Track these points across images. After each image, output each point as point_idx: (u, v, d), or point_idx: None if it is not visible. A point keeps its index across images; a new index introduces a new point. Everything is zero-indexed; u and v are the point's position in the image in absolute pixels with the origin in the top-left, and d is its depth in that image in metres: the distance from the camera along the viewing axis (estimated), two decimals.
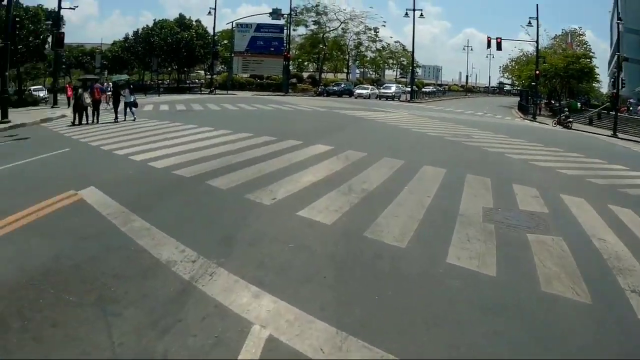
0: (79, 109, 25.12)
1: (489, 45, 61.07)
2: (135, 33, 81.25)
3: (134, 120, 26.16)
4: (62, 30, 42.89)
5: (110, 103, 30.42)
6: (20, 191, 10.67)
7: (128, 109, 26.98)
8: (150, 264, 6.60)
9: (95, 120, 25.73)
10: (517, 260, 7.37)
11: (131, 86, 29.97)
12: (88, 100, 25.48)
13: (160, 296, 5.68)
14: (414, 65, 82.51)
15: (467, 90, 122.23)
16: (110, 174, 12.33)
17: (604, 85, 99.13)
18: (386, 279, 6.41)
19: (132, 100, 27.16)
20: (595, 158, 20.77)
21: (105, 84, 41.20)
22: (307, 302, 5.65)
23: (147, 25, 79.88)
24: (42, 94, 46.44)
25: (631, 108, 54.64)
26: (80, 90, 25.78)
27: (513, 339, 5.15)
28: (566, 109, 50.00)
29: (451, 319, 5.49)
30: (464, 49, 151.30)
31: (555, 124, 43.33)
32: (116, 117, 26.67)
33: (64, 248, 7.15)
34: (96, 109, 26.23)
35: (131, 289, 5.76)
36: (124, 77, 68.34)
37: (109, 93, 34.30)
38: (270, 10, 76.27)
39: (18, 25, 36.80)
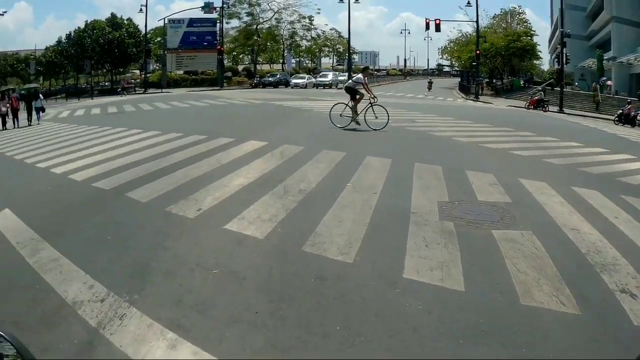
0: None
1: (427, 28, 61.90)
2: (68, 36, 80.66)
3: (38, 123, 29.56)
4: None
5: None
6: None
7: (37, 113, 30.87)
8: (55, 306, 5.47)
9: (15, 125, 29.02)
10: (486, 267, 6.39)
11: (39, 94, 34.13)
12: (4, 108, 28.92)
13: (63, 352, 4.59)
14: (351, 51, 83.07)
15: (406, 73, 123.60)
16: (29, 191, 11.38)
17: (544, 62, 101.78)
18: (332, 309, 5.26)
19: (40, 105, 31.11)
20: (547, 136, 20.39)
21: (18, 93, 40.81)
22: (235, 349, 4.54)
23: (78, 27, 79.15)
24: None
25: (600, 85, 55.28)
26: None
27: None
28: (540, 90, 49.12)
29: (417, 355, 4.51)
30: (401, 32, 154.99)
31: (528, 106, 42.09)
32: (29, 120, 30.46)
33: None
34: (15, 116, 30.17)
35: (32, 341, 4.63)
36: (34, 85, 66.48)
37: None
38: (202, 4, 75.68)
39: None
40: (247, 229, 7.75)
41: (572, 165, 13.92)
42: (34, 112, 30.83)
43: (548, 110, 40.23)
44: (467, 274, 6.06)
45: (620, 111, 37.10)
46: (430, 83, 75.19)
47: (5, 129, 28.05)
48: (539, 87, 54.31)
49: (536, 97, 43.02)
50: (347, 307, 5.29)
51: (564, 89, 50.12)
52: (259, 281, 5.96)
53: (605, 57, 67.21)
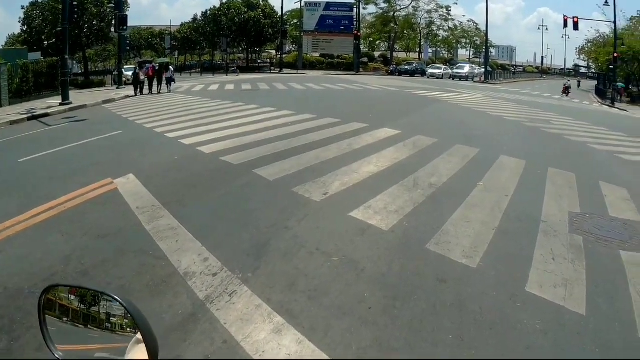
0: (136, 83, 33.23)
1: (565, 25, 57.71)
2: (204, 14, 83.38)
3: (168, 91, 34.09)
4: (126, 12, 44.00)
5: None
6: (59, 178, 10.37)
7: (167, 83, 35.52)
8: (165, 274, 5.66)
9: (150, 92, 34.05)
10: (610, 291, 5.81)
11: (170, 66, 39.18)
12: (142, 77, 33.85)
13: (164, 322, 4.69)
14: (488, 45, 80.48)
15: (543, 72, 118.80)
16: (155, 159, 11.91)
17: None
18: (447, 315, 4.98)
19: (170, 76, 35.89)
20: None
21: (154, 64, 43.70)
22: (340, 344, 4.42)
23: (214, 6, 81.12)
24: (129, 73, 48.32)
25: None
26: (137, 69, 34.55)
27: None
28: None
29: None
30: (538, 28, 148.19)
31: None
32: (159, 88, 35.03)
33: (77, 248, 6.50)
34: (151, 83, 34.88)
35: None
36: (166, 60, 69.37)
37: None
38: None
39: (81, 9, 39.71)
40: (372, 218, 7.61)
41: None
42: (164, 82, 35.40)
43: None
44: (589, 297, 5.56)
45: None
46: (567, 87, 56.49)
47: (142, 94, 32.77)
48: None
49: None
50: (463, 315, 5.00)
51: None
52: (377, 275, 5.79)
53: None
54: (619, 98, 56.30)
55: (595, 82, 78.88)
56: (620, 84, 65.14)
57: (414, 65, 73.17)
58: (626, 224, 8.40)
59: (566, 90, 55.77)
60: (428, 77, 63.17)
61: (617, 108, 46.79)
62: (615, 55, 56.66)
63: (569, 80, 65.11)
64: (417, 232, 7.14)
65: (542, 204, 8.95)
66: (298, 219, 7.53)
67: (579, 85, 79.66)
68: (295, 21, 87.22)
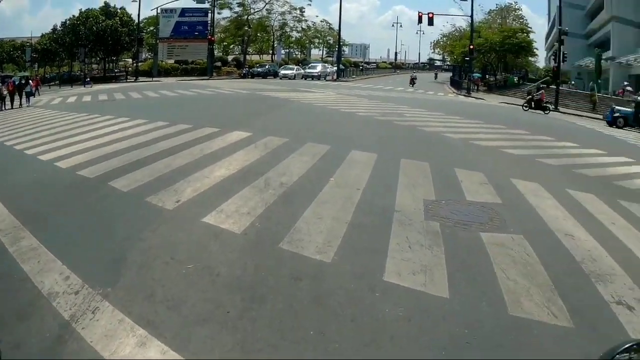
0: None
1: (420, 21, 61.93)
2: (63, 24, 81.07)
3: (28, 105, 34.55)
4: None
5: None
6: None
7: (26, 97, 36.46)
8: (31, 297, 5.60)
9: (12, 106, 34.49)
10: (473, 273, 6.16)
11: (29, 80, 40.73)
12: (4, 92, 34.60)
13: (34, 345, 4.67)
14: (341, 44, 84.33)
15: (396, 67, 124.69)
16: (14, 178, 11.88)
17: (540, 59, 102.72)
18: (306, 312, 5.08)
19: (29, 90, 37.07)
20: (541, 135, 20.16)
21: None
22: (203, 350, 4.46)
23: (73, 15, 79.28)
24: None
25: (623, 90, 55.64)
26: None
27: None
28: (537, 87, 48.99)
29: None
30: (392, 25, 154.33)
31: (526, 107, 39.40)
32: (20, 103, 35.59)
33: None
34: (12, 98, 35.43)
35: (4, 336, 4.78)
36: (25, 74, 66.77)
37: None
38: None
39: None
40: (225, 222, 7.67)
41: (567, 166, 13.76)
42: (24, 96, 36.48)
43: (549, 112, 39.51)
44: (451, 280, 5.84)
45: (530, 97, 38.81)
46: (414, 79, 68.42)
47: (4, 109, 33.46)
48: (535, 85, 54.43)
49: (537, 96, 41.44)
50: (322, 310, 5.12)
51: (560, 88, 50.22)
52: (232, 278, 5.86)
53: (603, 57, 67.75)
54: (475, 88, 60.13)
55: (451, 74, 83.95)
56: (476, 75, 70.50)
57: (267, 67, 75.49)
58: (484, 207, 8.95)
59: (412, 82, 64.94)
60: (280, 78, 65.22)
61: (473, 97, 49.79)
62: (472, 47, 61.32)
63: (415, 72, 77.59)
64: (269, 233, 7.27)
65: (395, 194, 9.34)
66: (152, 229, 7.51)
67: (436, 77, 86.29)
68: (151, 28, 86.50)
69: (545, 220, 8.44)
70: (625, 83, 57.97)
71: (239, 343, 4.55)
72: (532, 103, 38.26)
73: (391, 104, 30.44)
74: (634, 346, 1.53)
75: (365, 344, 4.56)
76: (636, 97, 40.43)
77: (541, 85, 54.01)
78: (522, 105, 38.67)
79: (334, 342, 4.54)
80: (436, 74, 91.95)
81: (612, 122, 35.78)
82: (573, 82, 72.88)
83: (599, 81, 62.38)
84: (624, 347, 1.52)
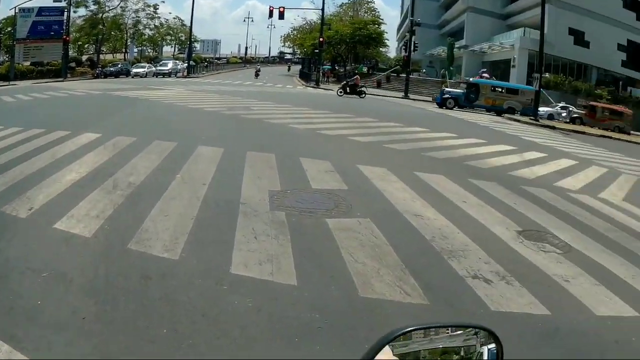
0: None
1: (270, 15, 64.06)
2: None
3: None
4: None
5: None
6: None
7: None
8: None
9: None
10: (320, 258, 6.32)
11: None
12: None
13: None
14: (192, 40, 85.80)
15: (246, 61, 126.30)
16: None
17: (392, 50, 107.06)
18: (158, 311, 5.08)
19: None
20: (390, 122, 20.98)
21: None
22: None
23: None
24: None
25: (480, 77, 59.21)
26: None
27: None
28: (352, 74, 51.05)
29: (247, 356, 4.41)
30: (244, 20, 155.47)
31: (341, 92, 41.50)
32: None
33: None
34: None
35: None
36: None
37: None
38: None
39: None
40: (75, 227, 7.47)
41: (415, 150, 14.40)
42: None
43: (365, 96, 41.16)
44: (299, 267, 5.95)
45: (345, 82, 41.94)
46: (258, 70, 78.69)
47: None
48: (384, 74, 56.71)
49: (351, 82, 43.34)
50: (173, 307, 5.14)
51: (411, 76, 52.69)
52: (85, 283, 5.75)
53: (457, 46, 71.96)
54: (325, 79, 61.88)
55: (300, 67, 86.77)
56: (326, 67, 72.51)
57: (119, 66, 74.63)
58: (330, 194, 9.19)
59: (257, 74, 72.39)
60: (133, 77, 65.20)
61: (323, 88, 50.75)
62: (322, 40, 63.08)
63: (259, 65, 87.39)
64: (118, 234, 7.17)
65: (240, 187, 9.45)
66: (7, 240, 7.18)
67: (289, 70, 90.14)
68: (9, 29, 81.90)
69: (393, 203, 8.77)
70: (483, 70, 61.94)
71: (96, 347, 4.50)
72: (348, 88, 40.49)
73: (239, 98, 30.81)
74: (402, 335, 1.56)
75: (217, 337, 4.60)
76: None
77: (356, 72, 57.70)
78: (337, 91, 41.11)
79: (187, 338, 4.57)
80: (289, 67, 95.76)
81: (441, 104, 38.59)
82: (424, 70, 76.97)
83: (451, 68, 66.51)
84: (393, 337, 1.53)
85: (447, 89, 43.10)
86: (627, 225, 10.04)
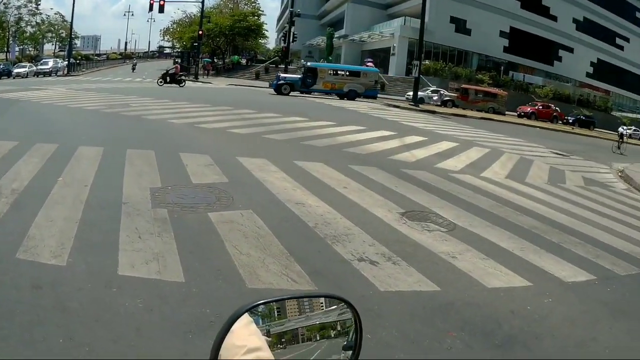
0: None
1: (151, 9, 63.04)
2: None
3: None
4: None
5: None
6: None
7: None
8: None
9: None
10: (205, 253, 6.37)
11: None
12: None
13: None
14: (73, 36, 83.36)
15: (126, 57, 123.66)
16: None
17: (271, 41, 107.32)
18: (52, 320, 4.90)
19: None
20: (269, 112, 21.21)
21: None
22: None
23: None
24: None
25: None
26: None
27: None
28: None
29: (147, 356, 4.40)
30: (124, 15, 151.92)
31: (161, 82, 42.22)
32: None
33: None
34: None
35: None
36: None
37: None
38: None
39: None
40: None
41: (294, 139, 14.64)
42: None
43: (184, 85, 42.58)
44: (185, 264, 5.97)
45: (165, 71, 43.61)
46: (134, 65, 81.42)
47: None
48: (263, 65, 56.94)
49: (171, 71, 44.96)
50: (66, 315, 4.99)
51: (289, 67, 53.19)
52: None
53: (336, 35, 73.03)
54: (206, 73, 61.89)
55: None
56: (206, 60, 72.39)
57: (1, 66, 70.27)
58: (211, 187, 9.25)
59: (133, 68, 75.34)
60: (14, 77, 61.84)
61: (201, 82, 50.43)
62: (200, 32, 63.21)
63: (135, 60, 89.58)
64: (5, 244, 6.80)
65: (121, 186, 9.29)
66: None
67: (174, 63, 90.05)
68: None
69: (274, 193, 8.92)
70: (368, 59, 63.28)
71: None
72: (167, 77, 41.96)
73: (119, 95, 30.01)
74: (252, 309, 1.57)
75: (114, 341, 4.54)
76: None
77: (177, 60, 58.58)
78: (157, 81, 42.06)
79: (84, 345, 4.47)
80: (175, 61, 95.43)
81: (277, 90, 39.07)
82: (303, 61, 78.36)
83: (330, 58, 67.54)
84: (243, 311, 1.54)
85: (282, 74, 43.61)
86: (511, 201, 10.73)
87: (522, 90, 64.16)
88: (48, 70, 67.47)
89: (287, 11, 66.79)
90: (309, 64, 47.04)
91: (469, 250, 7.12)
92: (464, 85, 49.57)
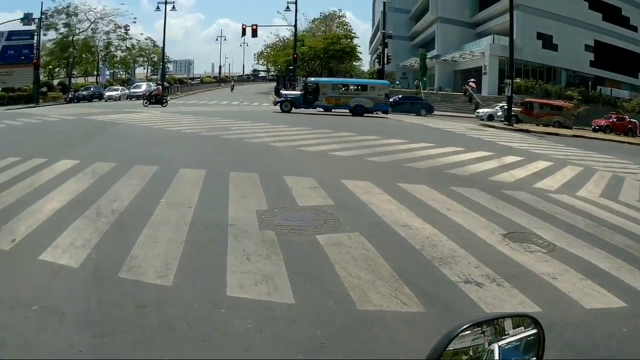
0: None
1: (243, 33, 64.82)
2: None
3: None
4: None
5: None
6: None
7: None
8: None
9: None
10: (315, 275, 6.30)
11: None
12: None
13: None
14: (165, 60, 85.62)
15: (221, 80, 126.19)
16: None
17: (365, 63, 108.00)
18: (157, 339, 4.95)
19: None
20: (368, 135, 21.07)
21: None
22: None
23: None
24: None
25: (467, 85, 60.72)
26: None
27: None
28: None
29: None
30: (217, 39, 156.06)
31: (146, 103, 46.53)
32: None
33: None
34: None
35: None
36: None
37: None
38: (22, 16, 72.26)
39: None
40: (62, 258, 7.22)
41: (396, 162, 14.49)
42: None
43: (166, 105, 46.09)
44: (295, 285, 5.92)
45: (149, 93, 48.12)
46: (232, 86, 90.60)
47: None
48: None
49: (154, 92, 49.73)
50: (172, 335, 5.00)
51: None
52: (78, 315, 5.54)
53: (428, 56, 72.87)
54: None
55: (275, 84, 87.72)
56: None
57: (92, 89, 73.40)
58: (317, 210, 9.20)
59: (232, 88, 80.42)
60: (106, 100, 64.46)
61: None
62: (295, 56, 63.33)
63: (233, 82, 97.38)
64: (107, 263, 6.96)
65: (227, 208, 9.36)
66: None
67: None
68: None
69: (380, 215, 8.82)
70: (471, 79, 63.04)
71: None
72: (152, 98, 46.06)
73: (216, 118, 30.65)
74: (468, 328, 1.69)
75: None
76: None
77: (158, 83, 65.65)
78: (143, 102, 45.90)
79: None
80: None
81: (281, 107, 38.79)
82: (397, 82, 78.20)
83: (424, 79, 67.26)
84: (454, 335, 1.64)
85: (284, 91, 43.89)
86: (606, 220, 10.32)
87: (610, 105, 61.66)
88: (141, 94, 68.08)
89: (379, 33, 67.15)
90: (309, 79, 46.77)
91: (568, 270, 6.91)
92: (527, 99, 48.20)
